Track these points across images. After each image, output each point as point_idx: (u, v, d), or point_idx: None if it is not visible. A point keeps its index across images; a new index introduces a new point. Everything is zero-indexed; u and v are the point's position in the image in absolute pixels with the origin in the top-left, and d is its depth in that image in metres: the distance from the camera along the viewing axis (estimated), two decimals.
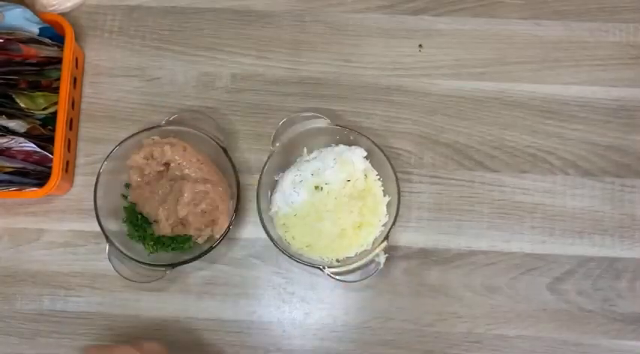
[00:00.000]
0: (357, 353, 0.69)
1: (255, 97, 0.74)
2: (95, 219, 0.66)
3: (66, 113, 0.69)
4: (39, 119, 0.70)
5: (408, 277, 0.70)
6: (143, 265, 0.65)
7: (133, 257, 0.65)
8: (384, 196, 0.68)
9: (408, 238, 0.71)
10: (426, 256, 0.70)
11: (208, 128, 0.69)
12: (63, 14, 0.74)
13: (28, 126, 0.68)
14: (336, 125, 0.68)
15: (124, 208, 0.70)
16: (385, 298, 0.70)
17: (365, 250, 0.67)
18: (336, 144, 0.69)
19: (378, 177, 0.69)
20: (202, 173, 0.68)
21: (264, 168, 0.67)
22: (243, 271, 0.71)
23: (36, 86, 0.70)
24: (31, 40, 0.70)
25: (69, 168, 0.71)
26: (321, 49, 0.75)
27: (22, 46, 0.69)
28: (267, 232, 0.66)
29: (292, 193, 0.67)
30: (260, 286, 0.70)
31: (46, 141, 0.69)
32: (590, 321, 0.69)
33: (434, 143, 0.73)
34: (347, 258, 0.67)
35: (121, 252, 0.66)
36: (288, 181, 0.68)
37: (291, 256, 0.65)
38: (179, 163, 0.68)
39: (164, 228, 0.67)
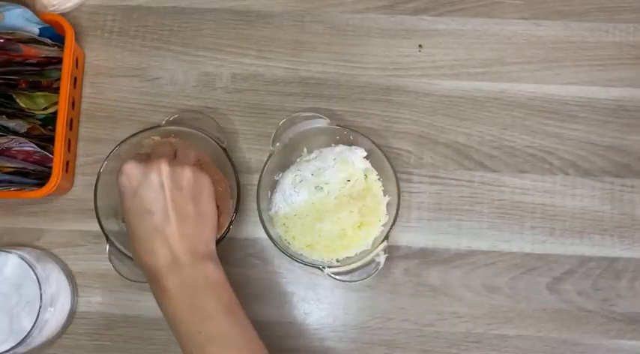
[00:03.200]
0: (357, 353, 0.69)
1: (255, 97, 0.74)
2: (95, 219, 0.66)
3: (66, 113, 0.69)
4: (39, 119, 0.70)
5: (408, 277, 0.70)
6: None
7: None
8: (384, 196, 0.68)
9: (408, 238, 0.71)
10: (425, 256, 0.70)
11: (208, 128, 0.69)
12: (63, 14, 0.74)
13: (28, 126, 0.69)
14: (336, 125, 0.68)
15: None
16: (385, 298, 0.70)
17: (365, 250, 0.67)
18: (336, 144, 0.70)
19: (378, 177, 0.69)
20: None
21: (264, 168, 0.67)
22: (243, 271, 0.71)
23: (36, 86, 0.70)
24: (31, 40, 0.70)
25: (69, 168, 0.71)
26: (321, 49, 0.75)
27: (22, 46, 0.69)
28: (267, 232, 0.66)
29: (292, 193, 0.67)
30: (260, 286, 0.70)
31: (46, 141, 0.69)
32: (590, 321, 0.69)
33: (434, 143, 0.73)
34: (347, 258, 0.67)
35: (121, 252, 0.66)
36: (288, 181, 0.68)
37: (291, 256, 0.66)
38: None
39: None
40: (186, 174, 0.58)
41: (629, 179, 0.72)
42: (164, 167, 0.57)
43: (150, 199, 0.57)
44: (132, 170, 0.58)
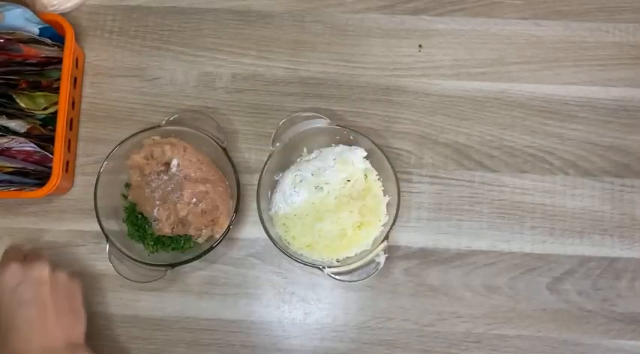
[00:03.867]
0: (356, 353, 0.69)
1: (255, 97, 0.74)
2: (95, 219, 0.66)
3: (66, 113, 0.69)
4: (39, 119, 0.70)
5: (407, 277, 0.70)
6: (143, 265, 0.66)
7: (133, 257, 0.66)
8: (384, 196, 0.68)
9: (408, 238, 0.71)
10: (425, 256, 0.70)
11: (208, 128, 0.69)
12: (63, 14, 0.74)
13: (29, 126, 0.69)
14: (336, 125, 0.68)
15: (124, 208, 0.70)
16: (385, 298, 0.70)
17: (365, 250, 0.67)
18: (336, 144, 0.70)
19: (378, 177, 0.69)
20: (202, 173, 0.68)
21: (264, 168, 0.67)
22: (243, 271, 0.71)
23: (36, 86, 0.70)
24: (31, 40, 0.70)
25: (69, 168, 0.71)
26: (321, 49, 0.75)
27: (22, 46, 0.69)
28: (267, 232, 0.66)
29: (292, 193, 0.67)
30: (260, 286, 0.70)
31: (46, 141, 0.69)
32: (590, 321, 0.69)
33: (434, 143, 0.73)
34: (347, 258, 0.67)
35: (121, 252, 0.66)
36: (288, 181, 0.68)
37: (291, 256, 0.66)
38: (179, 163, 0.68)
39: (164, 228, 0.67)
40: (62, 276, 0.64)
41: (629, 179, 0.72)
42: (44, 267, 0.63)
43: (31, 293, 0.61)
44: (14, 270, 0.62)
